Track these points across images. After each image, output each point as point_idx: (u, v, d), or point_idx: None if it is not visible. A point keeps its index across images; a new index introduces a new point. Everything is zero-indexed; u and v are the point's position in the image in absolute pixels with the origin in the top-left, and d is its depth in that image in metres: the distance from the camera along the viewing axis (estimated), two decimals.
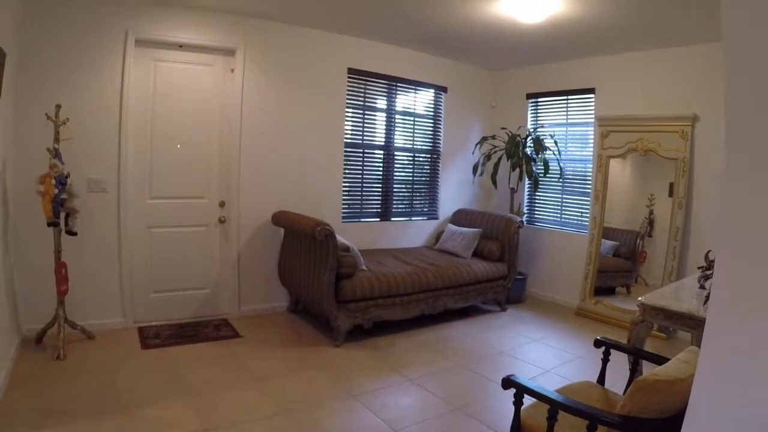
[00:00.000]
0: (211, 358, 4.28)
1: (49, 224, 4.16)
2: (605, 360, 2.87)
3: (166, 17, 4.81)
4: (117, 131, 4.70)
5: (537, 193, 6.53)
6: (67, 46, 4.50)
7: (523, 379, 2.33)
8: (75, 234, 4.27)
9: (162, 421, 3.27)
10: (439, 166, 6.45)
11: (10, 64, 4.05)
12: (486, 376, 4.13)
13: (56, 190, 4.11)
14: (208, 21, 4.98)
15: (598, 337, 2.91)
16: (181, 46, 4.91)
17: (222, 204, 5.17)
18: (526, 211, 6.64)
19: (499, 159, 6.30)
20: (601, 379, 2.86)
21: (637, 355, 2.84)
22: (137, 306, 4.89)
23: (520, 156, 6.13)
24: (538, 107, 6.68)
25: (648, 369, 2.27)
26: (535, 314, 5.86)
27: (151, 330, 4.78)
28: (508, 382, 2.32)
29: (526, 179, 6.34)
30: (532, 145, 6.14)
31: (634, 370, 2.80)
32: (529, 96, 6.69)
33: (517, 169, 6.17)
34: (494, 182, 6.37)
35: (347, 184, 5.74)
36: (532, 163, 6.14)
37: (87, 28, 4.55)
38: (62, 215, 4.19)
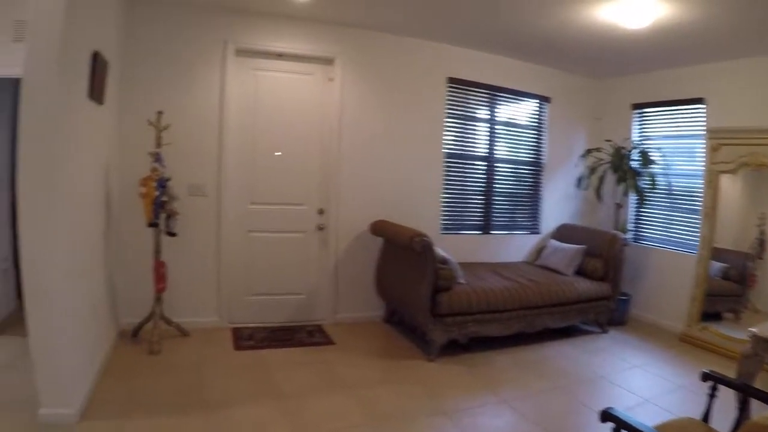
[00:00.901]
0: (302, 363, 4.24)
1: (150, 225, 4.22)
2: (711, 395, 2.52)
3: (264, 27, 4.91)
4: (217, 138, 4.83)
5: (642, 210, 6.09)
6: (167, 55, 4.69)
7: (623, 413, 2.08)
8: (175, 235, 4.33)
9: (248, 423, 3.26)
10: (541, 179, 6.16)
11: (114, 73, 4.29)
12: (583, 402, 3.85)
13: (157, 193, 4.22)
14: (306, 30, 5.03)
15: (706, 371, 2.56)
16: (280, 56, 4.98)
17: (321, 211, 5.18)
18: (631, 228, 6.19)
19: (605, 172, 5.88)
20: (706, 417, 2.51)
21: (746, 393, 2.46)
22: (233, 307, 4.97)
23: (625, 170, 5.71)
24: (644, 118, 6.29)
25: (758, 409, 2.05)
26: (637, 338, 5.47)
27: (245, 331, 4.82)
28: (606, 416, 2.08)
29: (632, 194, 5.86)
30: (638, 158, 5.70)
31: (743, 409, 2.44)
32: (635, 106, 6.27)
33: (623, 184, 5.72)
34: (599, 197, 6.03)
35: (447, 195, 5.63)
36: (638, 178, 5.67)
37: (187, 39, 4.72)
38: (162, 217, 4.30)
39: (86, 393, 3.40)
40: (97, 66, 3.82)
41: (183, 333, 4.59)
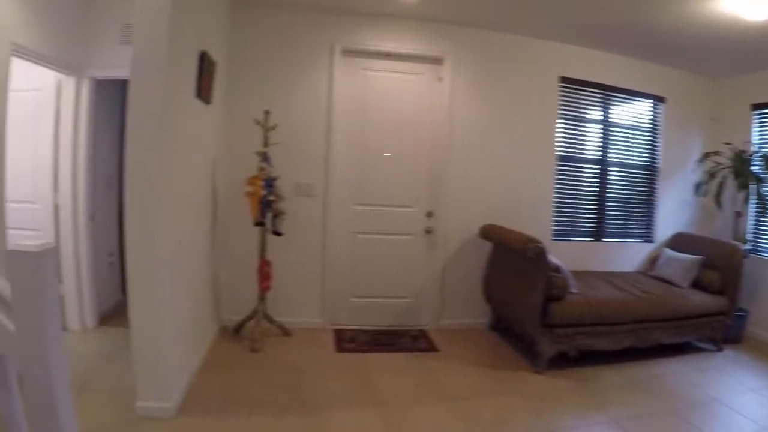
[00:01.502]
0: (405, 370, 4.20)
1: (256, 224, 4.21)
2: None
3: (371, 27, 4.88)
4: (324, 138, 4.85)
5: (763, 219, 5.65)
6: (274, 55, 4.76)
7: None
8: (281, 234, 4.32)
9: (346, 428, 3.23)
10: (656, 184, 5.83)
11: (221, 73, 4.41)
12: (696, 425, 3.61)
13: (264, 192, 4.19)
14: (414, 29, 4.96)
15: None
16: (388, 55, 4.94)
17: (429, 214, 5.10)
18: (750, 238, 5.76)
19: (724, 178, 5.48)
20: None
21: None
22: (336, 308, 5.00)
23: (747, 175, 5.30)
24: (766, 119, 5.77)
25: None
26: (755, 358, 5.12)
27: (347, 333, 4.83)
28: None
29: (753, 202, 5.44)
30: (760, 162, 5.29)
31: None
32: (756, 107, 5.84)
33: (744, 191, 5.33)
34: (718, 204, 5.65)
35: (558, 200, 5.43)
36: (761, 184, 5.25)
37: (293, 39, 4.77)
38: (269, 216, 4.35)
39: (184, 388, 3.47)
40: (205, 66, 3.88)
41: (285, 332, 4.59)
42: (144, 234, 3.05)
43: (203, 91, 3.94)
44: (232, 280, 4.81)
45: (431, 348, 4.49)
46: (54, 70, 4.46)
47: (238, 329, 4.59)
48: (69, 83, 4.65)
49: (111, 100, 4.97)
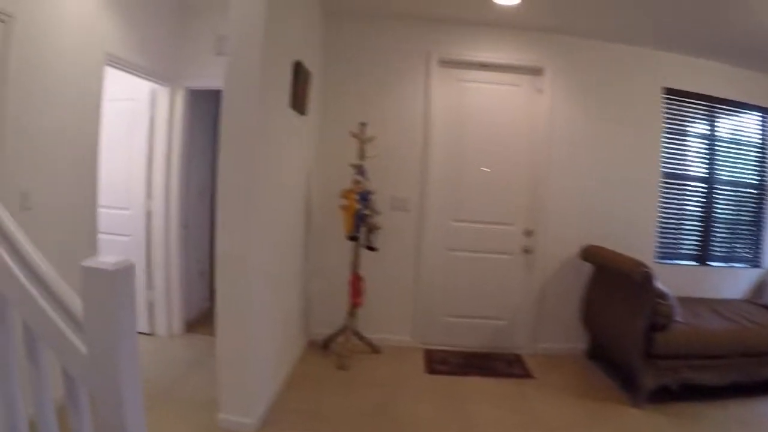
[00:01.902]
0: (498, 396, 4.04)
1: (349, 238, 4.14)
2: None
3: (468, 36, 4.76)
4: (421, 151, 4.75)
5: None
6: (369, 66, 4.72)
7: None
8: (375, 250, 4.20)
9: None
10: (765, 204, 5.40)
11: (316, 84, 4.41)
12: None
13: (359, 206, 4.11)
14: (512, 39, 4.81)
15: None
16: (484, 66, 4.80)
17: (528, 233, 4.93)
18: None
19: None
20: None
21: None
22: (428, 328, 4.88)
23: None
24: None
25: None
26: None
27: (438, 354, 4.71)
28: None
29: None
30: None
31: None
32: None
33: None
34: None
35: (662, 219, 5.07)
36: None
37: (389, 50, 4.71)
38: (363, 230, 4.29)
39: (268, 402, 3.44)
40: (299, 76, 3.87)
41: (374, 350, 4.53)
42: (234, 243, 3.06)
43: (298, 102, 3.91)
44: (323, 294, 4.80)
45: (526, 374, 4.33)
46: (149, 80, 4.56)
47: (326, 344, 4.56)
48: (163, 93, 4.73)
49: (205, 111, 5.02)
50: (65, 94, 3.39)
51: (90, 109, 3.71)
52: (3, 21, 2.82)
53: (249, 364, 3.04)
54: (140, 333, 4.87)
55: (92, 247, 3.87)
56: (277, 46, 3.30)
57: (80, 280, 0.96)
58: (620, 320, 4.23)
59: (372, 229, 4.30)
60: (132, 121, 4.80)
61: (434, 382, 4.05)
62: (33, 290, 1.09)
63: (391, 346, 4.57)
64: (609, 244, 4.76)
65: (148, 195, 4.79)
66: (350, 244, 4.36)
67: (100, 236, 4.66)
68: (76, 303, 1.02)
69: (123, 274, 0.96)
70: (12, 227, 1.21)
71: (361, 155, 4.33)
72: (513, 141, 4.71)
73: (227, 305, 3.07)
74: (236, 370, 3.01)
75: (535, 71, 4.69)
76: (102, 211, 4.65)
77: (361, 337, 4.40)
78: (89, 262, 0.95)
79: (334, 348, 4.51)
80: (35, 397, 1.15)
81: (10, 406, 1.19)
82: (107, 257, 0.97)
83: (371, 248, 4.32)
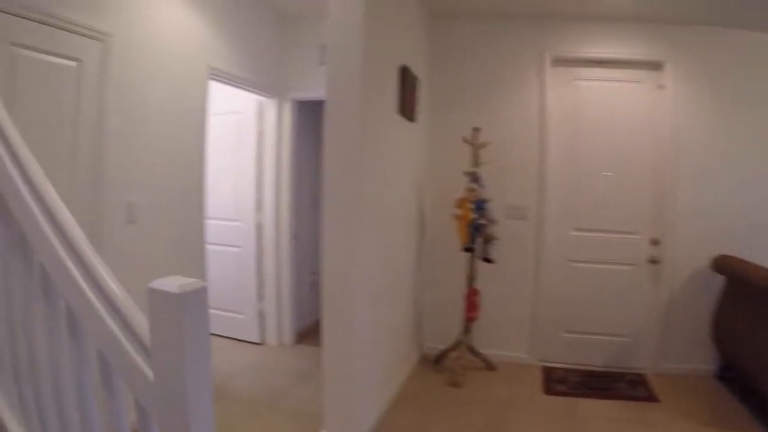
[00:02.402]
0: (620, 421, 3.75)
1: (464, 249, 4.02)
2: None
3: (582, 32, 4.53)
4: (537, 156, 4.58)
5: None
6: (478, 69, 4.59)
7: None
8: (492, 261, 4.04)
9: None
10: None
11: (424, 89, 4.36)
12: None
13: (474, 215, 4.00)
14: (629, 32, 4.52)
15: None
16: (600, 63, 4.56)
17: (655, 242, 4.60)
18: None
19: None
20: None
21: None
22: (546, 344, 4.69)
23: None
24: None
25: None
26: None
27: (556, 373, 4.52)
28: None
29: None
30: None
31: None
32: None
33: None
34: None
35: None
36: None
37: (499, 50, 4.57)
38: (479, 241, 4.15)
39: (374, 420, 3.38)
40: (406, 81, 3.80)
41: (489, 366, 4.41)
42: (341, 255, 3.01)
43: (406, 108, 3.86)
44: (436, 307, 4.72)
45: (651, 397, 4.02)
46: (255, 93, 4.69)
47: (439, 359, 4.47)
48: (271, 105, 4.82)
49: (313, 121, 5.06)
50: (168, 108, 3.53)
51: (195, 123, 3.85)
52: (101, 40, 2.98)
53: (354, 380, 2.97)
54: (251, 342, 4.97)
55: (200, 259, 4.00)
56: (379, 51, 3.26)
57: (147, 301, 0.94)
58: (756, 340, 3.87)
59: (488, 239, 4.16)
60: (240, 134, 4.93)
61: (551, 403, 3.83)
62: (105, 315, 1.07)
63: (507, 363, 4.42)
64: (745, 255, 4.38)
65: (258, 207, 4.89)
66: (465, 255, 4.23)
67: (212, 247, 4.84)
68: (144, 326, 0.99)
69: (191, 297, 0.91)
70: (84, 247, 1.22)
71: (475, 162, 4.21)
72: (635, 142, 4.42)
73: (333, 319, 2.99)
74: (340, 386, 2.96)
75: (655, 66, 4.39)
76: (212, 223, 4.85)
77: (475, 353, 4.27)
78: (156, 284, 0.91)
79: (447, 364, 4.40)
80: (111, 425, 1.13)
81: None
82: (177, 279, 0.92)
83: (487, 260, 4.18)
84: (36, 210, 1.25)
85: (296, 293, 5.03)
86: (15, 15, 2.49)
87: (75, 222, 1.24)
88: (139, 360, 0.98)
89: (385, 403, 3.62)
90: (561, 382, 4.31)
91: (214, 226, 4.97)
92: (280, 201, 4.87)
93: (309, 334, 5.13)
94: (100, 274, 1.14)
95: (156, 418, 0.96)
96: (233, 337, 5.09)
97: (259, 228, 4.92)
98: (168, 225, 3.57)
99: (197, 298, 0.92)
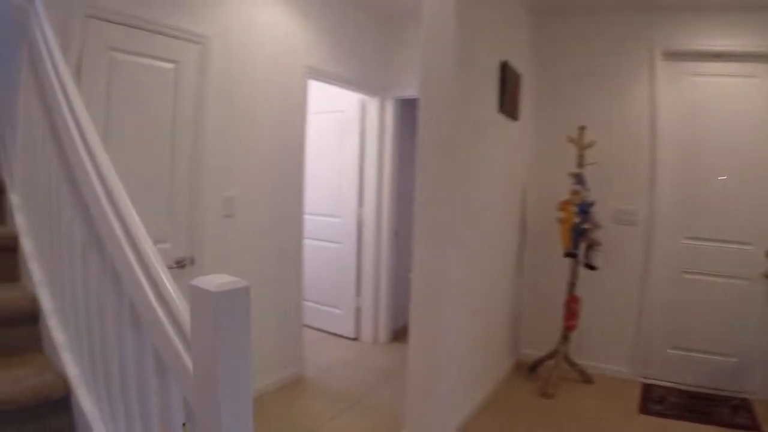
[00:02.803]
0: None
1: (567, 255, 3.85)
2: None
3: (695, 24, 4.18)
4: (647, 157, 4.32)
5: None
6: (583, 64, 4.42)
7: None
8: (595, 269, 3.85)
9: None
10: None
11: (526, 86, 4.22)
12: None
13: (577, 219, 3.88)
14: (746, 22, 4.07)
15: None
16: (716, 56, 4.20)
17: None
18: None
19: None
20: None
21: None
22: (648, 359, 4.40)
23: None
24: None
25: None
26: None
27: (656, 391, 4.22)
28: None
29: None
30: None
31: None
32: None
33: None
34: None
35: None
36: None
37: (605, 45, 4.38)
38: (582, 246, 4.02)
39: (458, 425, 3.31)
40: (507, 78, 3.71)
41: (585, 379, 4.25)
42: (431, 256, 2.96)
43: (508, 106, 3.78)
44: (534, 313, 4.64)
45: (753, 426, 3.60)
46: (356, 91, 4.84)
47: (534, 367, 4.36)
48: (373, 104, 4.95)
49: (416, 120, 5.05)
50: (266, 106, 3.72)
51: (294, 121, 4.01)
52: (199, 42, 3.19)
53: (439, 383, 2.89)
54: (346, 338, 5.07)
55: (297, 253, 4.16)
56: (476, 46, 3.13)
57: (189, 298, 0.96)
58: None
59: (592, 245, 3.99)
60: (343, 132, 5.10)
61: (645, 424, 3.56)
62: (157, 308, 1.12)
63: (604, 376, 4.23)
64: None
65: (360, 203, 4.95)
66: (567, 260, 4.07)
67: (313, 243, 4.99)
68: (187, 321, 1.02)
69: (229, 296, 0.91)
70: (143, 242, 1.26)
71: (580, 162, 4.05)
72: (753, 143, 4.04)
73: (420, 319, 2.96)
74: (425, 388, 2.91)
75: None
76: (314, 219, 5.00)
77: (572, 364, 4.11)
78: (198, 281, 0.92)
79: (542, 372, 4.17)
80: (163, 420, 1.18)
81: (147, 429, 1.25)
82: (221, 278, 0.93)
83: (590, 266, 4.01)
84: (108, 210, 1.36)
85: (394, 291, 5.13)
86: (114, 22, 2.64)
87: (138, 221, 1.33)
88: (183, 354, 1.02)
89: (470, 409, 3.57)
90: (659, 402, 4.02)
91: (315, 222, 5.17)
92: (382, 198, 4.98)
93: (404, 332, 5.13)
94: (156, 269, 1.17)
95: (195, 411, 0.99)
96: (329, 330, 5.25)
97: (360, 224, 5.02)
98: (265, 220, 3.78)
99: (236, 298, 0.92)
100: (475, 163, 3.30)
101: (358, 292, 5.09)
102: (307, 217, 5.01)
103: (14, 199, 2.15)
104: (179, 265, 3.08)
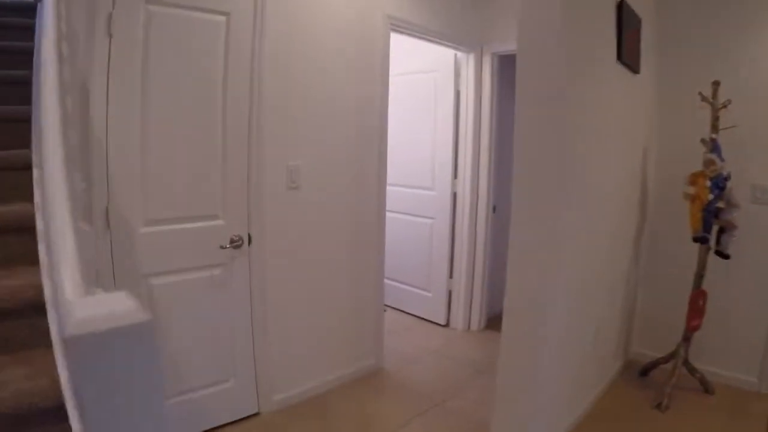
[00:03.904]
0: None
1: (696, 239, 3.33)
2: None
3: None
4: None
5: None
6: (716, 6, 3.65)
7: None
8: (728, 257, 3.17)
9: None
10: None
11: (646, 33, 3.54)
12: None
13: (711, 196, 3.35)
14: None
15: None
16: None
17: None
18: None
19: None
20: None
21: None
22: None
23: None
24: None
25: None
26: None
27: None
28: None
29: None
30: None
31: None
32: None
33: None
34: None
35: None
36: None
37: None
38: (714, 229, 3.40)
39: None
40: (625, 20, 3.09)
41: (706, 389, 3.70)
42: (532, 236, 2.52)
43: (627, 54, 3.19)
44: (651, 307, 4.09)
45: None
46: (448, 46, 4.40)
47: (646, 370, 3.88)
48: (468, 61, 4.50)
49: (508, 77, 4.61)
50: (340, 63, 3.38)
51: (375, 79, 3.65)
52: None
53: (535, 389, 2.56)
54: (435, 323, 4.77)
55: (377, 229, 3.83)
56: None
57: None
58: None
59: (725, 228, 3.37)
60: (436, 95, 4.79)
61: None
62: None
63: (728, 387, 3.67)
64: None
65: (454, 175, 4.56)
66: (693, 247, 3.44)
67: (403, 217, 4.67)
68: None
69: (103, 341, 0.62)
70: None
71: (714, 126, 3.35)
72: None
73: (515, 312, 2.60)
74: (517, 394, 2.59)
75: None
76: (404, 191, 4.69)
77: (692, 370, 3.59)
78: (69, 309, 0.65)
79: (655, 377, 3.77)
80: None
81: None
82: (104, 302, 0.67)
83: (722, 255, 3.39)
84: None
85: (491, 273, 4.79)
86: None
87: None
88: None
89: (571, 420, 3.15)
90: None
91: (405, 195, 4.91)
92: (479, 168, 4.60)
93: (501, 319, 4.72)
94: None
95: None
96: (418, 315, 5.00)
97: (454, 198, 4.64)
98: (338, 192, 3.51)
99: (119, 342, 0.65)
100: (586, 128, 2.80)
101: (451, 273, 4.72)
102: (395, 188, 4.78)
103: (35, 173, 2.03)
104: (234, 244, 2.90)
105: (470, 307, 4.74)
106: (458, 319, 4.76)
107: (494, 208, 4.68)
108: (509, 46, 4.20)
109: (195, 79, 2.69)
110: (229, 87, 2.80)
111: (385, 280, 5.20)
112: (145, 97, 2.52)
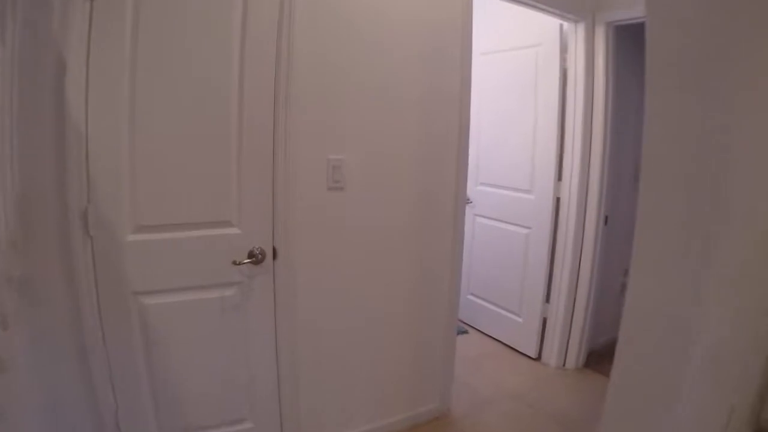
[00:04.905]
0: None
1: None
2: None
3: None
4: None
5: None
6: None
7: None
8: None
9: None
10: None
11: None
12: None
13: None
14: None
15: None
16: None
17: None
18: None
19: None
20: None
21: None
22: None
23: None
24: None
25: None
26: None
27: None
28: None
29: None
30: None
31: None
32: None
33: None
34: None
35: None
36: None
37: None
38: None
39: None
40: None
41: None
42: (665, 266, 1.77)
43: None
44: None
45: None
46: (550, 13, 3.62)
47: None
48: (576, 33, 3.68)
49: (643, 55, 3.72)
50: (403, 31, 2.65)
51: (452, 53, 2.88)
52: None
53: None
54: (524, 355, 4.12)
55: (453, 237, 3.09)
56: None
57: None
58: None
59: None
60: (536, 76, 3.96)
61: None
62: None
63: None
64: None
65: (558, 176, 3.81)
66: None
67: (493, 224, 4.06)
68: None
69: None
70: None
71: None
72: None
73: (629, 348, 1.89)
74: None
75: None
76: (495, 193, 4.08)
77: None
78: None
79: None
80: None
81: None
82: None
83: None
84: None
85: (597, 298, 3.98)
86: None
87: None
88: None
89: None
90: None
91: (497, 198, 4.29)
92: (590, 170, 3.76)
93: (606, 356, 3.94)
94: None
95: None
96: (505, 342, 4.32)
97: (556, 204, 3.87)
98: (398, 194, 2.81)
99: None
100: (749, 116, 1.97)
101: (548, 296, 3.99)
102: (483, 188, 4.13)
103: None
104: (253, 259, 2.36)
105: (568, 341, 3.98)
106: (552, 353, 4.02)
107: (606, 219, 3.86)
108: (631, 13, 3.37)
109: (202, 48, 2.17)
110: (246, 59, 2.25)
111: (469, 296, 4.60)
112: (135, 73, 2.04)
